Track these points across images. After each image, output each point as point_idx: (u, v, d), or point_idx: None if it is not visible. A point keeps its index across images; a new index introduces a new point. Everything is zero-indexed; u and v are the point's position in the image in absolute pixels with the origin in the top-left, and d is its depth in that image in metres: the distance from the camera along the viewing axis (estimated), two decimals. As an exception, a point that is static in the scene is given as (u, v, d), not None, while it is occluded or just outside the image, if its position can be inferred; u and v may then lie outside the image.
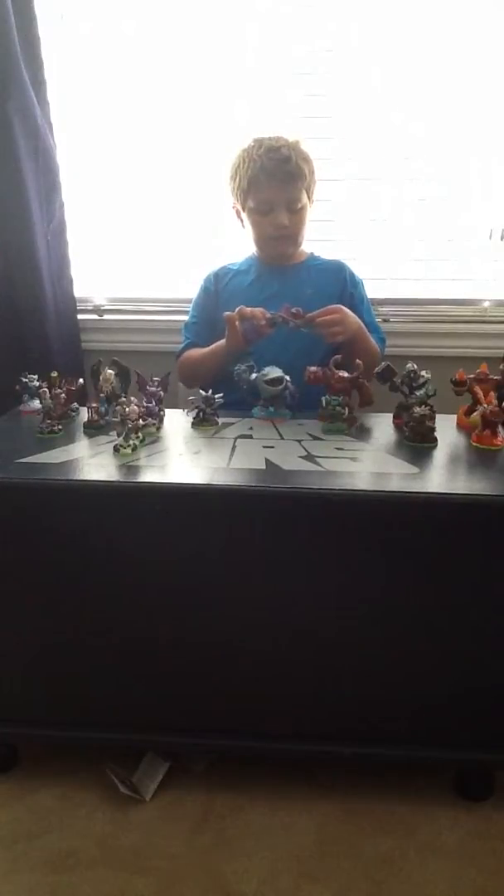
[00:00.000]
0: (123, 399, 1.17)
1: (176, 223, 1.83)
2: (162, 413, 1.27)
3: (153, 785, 1.14)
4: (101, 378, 1.29)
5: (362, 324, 1.45)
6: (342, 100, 1.72)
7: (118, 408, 1.13)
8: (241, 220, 1.56)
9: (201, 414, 1.27)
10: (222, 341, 1.44)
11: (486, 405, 1.16)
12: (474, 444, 1.17)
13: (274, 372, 1.29)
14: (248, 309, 1.36)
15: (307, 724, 1.11)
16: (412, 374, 1.23)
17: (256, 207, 1.49)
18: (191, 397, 1.29)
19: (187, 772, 1.18)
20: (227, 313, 1.38)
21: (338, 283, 1.55)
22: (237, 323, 1.36)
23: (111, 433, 1.19)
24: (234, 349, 1.39)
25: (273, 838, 1.07)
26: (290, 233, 1.50)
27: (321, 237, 1.72)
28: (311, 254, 1.61)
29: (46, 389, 1.24)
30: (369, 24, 1.67)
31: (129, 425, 1.12)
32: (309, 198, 1.51)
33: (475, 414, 1.20)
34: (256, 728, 1.12)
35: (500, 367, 1.23)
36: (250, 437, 1.22)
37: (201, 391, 1.28)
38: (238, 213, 1.55)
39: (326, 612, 1.04)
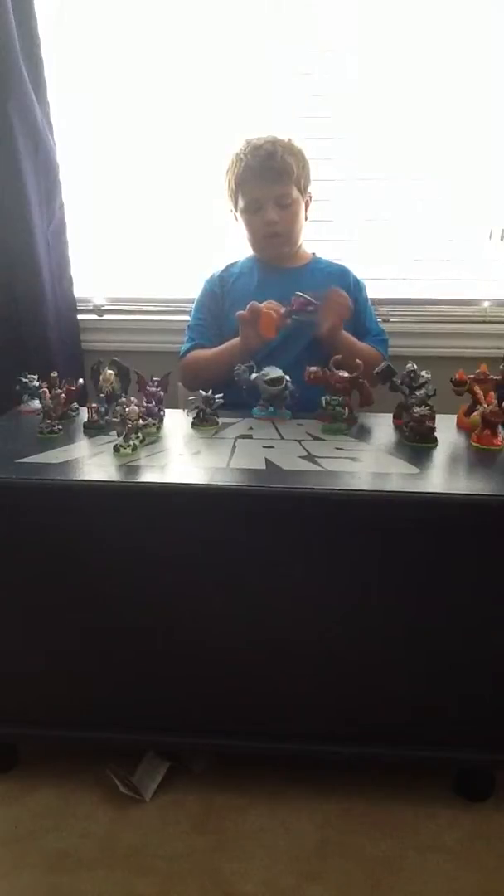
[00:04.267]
0: (123, 399, 1.17)
1: (176, 223, 1.84)
2: (162, 413, 1.27)
3: (153, 785, 1.14)
4: (101, 378, 1.29)
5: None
6: (342, 100, 1.72)
7: (118, 408, 1.13)
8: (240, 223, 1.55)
9: (201, 414, 1.27)
10: (234, 340, 1.43)
11: (486, 405, 1.16)
12: (474, 444, 1.17)
13: (274, 372, 1.29)
14: (260, 305, 1.36)
15: (307, 724, 1.11)
16: (412, 374, 1.23)
17: (246, 206, 1.49)
18: (191, 397, 1.29)
19: (187, 772, 1.18)
20: (240, 313, 1.38)
21: (342, 288, 1.52)
22: (263, 312, 1.35)
23: (111, 433, 1.19)
24: (248, 347, 1.39)
25: (273, 838, 1.07)
26: (281, 230, 1.49)
27: (321, 237, 1.72)
28: (314, 255, 1.61)
29: (46, 389, 1.24)
30: (369, 23, 1.67)
31: (129, 425, 1.12)
32: (301, 192, 1.50)
33: (475, 414, 1.20)
34: (256, 728, 1.12)
35: (501, 367, 1.23)
36: (250, 437, 1.22)
37: (201, 391, 1.28)
38: (235, 216, 1.55)
39: (326, 612, 1.04)
